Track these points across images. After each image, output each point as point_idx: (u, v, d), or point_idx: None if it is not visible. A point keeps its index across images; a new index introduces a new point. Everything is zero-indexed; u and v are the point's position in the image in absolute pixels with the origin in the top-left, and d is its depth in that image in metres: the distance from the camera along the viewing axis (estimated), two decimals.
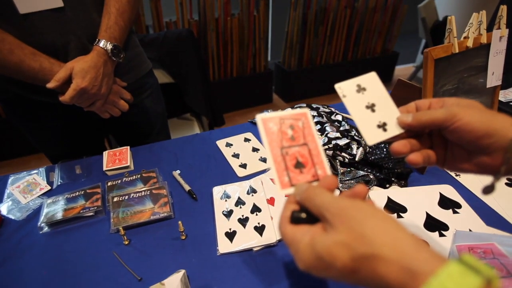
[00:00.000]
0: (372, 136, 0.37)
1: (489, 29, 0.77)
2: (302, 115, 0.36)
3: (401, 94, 0.81)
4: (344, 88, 0.39)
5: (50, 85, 0.69)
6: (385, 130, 0.38)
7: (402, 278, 0.24)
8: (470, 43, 0.75)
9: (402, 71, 3.30)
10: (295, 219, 0.31)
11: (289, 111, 0.36)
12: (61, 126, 0.92)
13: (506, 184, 0.74)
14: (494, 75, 0.83)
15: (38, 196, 0.74)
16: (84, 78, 0.71)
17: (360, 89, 0.39)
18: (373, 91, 0.39)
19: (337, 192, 0.72)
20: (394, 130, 0.38)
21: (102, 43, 0.75)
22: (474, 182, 0.75)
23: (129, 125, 1.00)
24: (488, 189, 0.35)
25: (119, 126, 0.99)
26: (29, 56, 0.69)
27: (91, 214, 0.68)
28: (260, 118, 0.34)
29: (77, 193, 0.71)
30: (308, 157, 0.33)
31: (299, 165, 0.33)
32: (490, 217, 0.66)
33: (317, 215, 0.30)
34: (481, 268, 0.22)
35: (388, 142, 0.39)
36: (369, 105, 0.39)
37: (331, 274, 0.28)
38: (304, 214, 0.31)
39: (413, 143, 0.39)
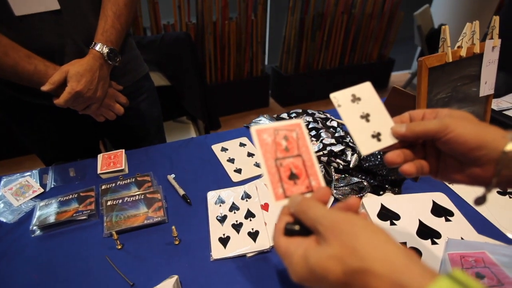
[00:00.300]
0: (366, 146, 0.37)
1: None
2: (296, 126, 0.36)
3: (396, 101, 0.82)
4: (339, 98, 0.39)
5: (44, 88, 0.69)
6: (379, 140, 0.38)
7: None
8: (463, 53, 0.76)
9: (398, 77, 3.33)
10: (288, 231, 0.31)
11: (283, 122, 0.36)
12: (56, 129, 0.91)
13: (498, 192, 0.75)
14: (487, 84, 0.85)
15: (31, 199, 0.73)
16: (79, 82, 0.70)
17: (355, 99, 0.40)
18: (367, 101, 0.40)
19: (331, 200, 0.73)
20: (388, 140, 0.38)
21: (98, 47, 0.75)
22: (467, 190, 0.75)
23: (124, 128, 0.99)
24: (480, 200, 0.36)
25: (114, 129, 0.99)
26: (24, 59, 0.68)
27: (84, 217, 0.67)
28: (255, 129, 0.34)
29: (71, 196, 0.71)
30: (302, 168, 0.34)
31: (293, 177, 0.33)
32: (482, 225, 0.67)
33: (311, 228, 0.30)
34: (471, 284, 0.22)
35: (383, 151, 0.39)
36: (363, 115, 0.39)
37: (324, 287, 0.28)
38: (297, 226, 0.31)
39: (406, 153, 0.39)
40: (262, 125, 0.35)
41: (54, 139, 0.93)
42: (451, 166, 0.38)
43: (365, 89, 0.40)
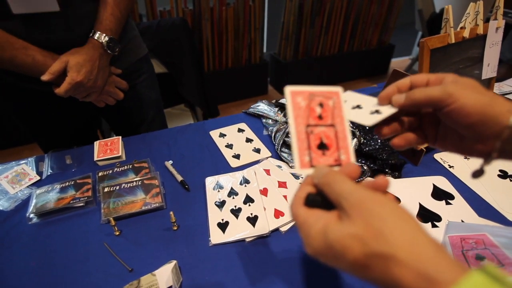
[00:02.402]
0: (368, 120, 0.35)
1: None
2: (334, 94, 0.33)
3: None
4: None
5: (44, 77, 0.68)
6: (379, 113, 0.36)
7: (418, 284, 0.23)
8: (466, 34, 0.74)
9: (398, 63, 3.29)
10: (310, 202, 0.29)
11: (321, 87, 0.33)
12: (54, 114, 0.90)
13: (499, 176, 0.74)
14: (489, 67, 0.83)
15: (27, 187, 0.72)
16: (79, 72, 0.70)
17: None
18: (352, 99, 0.38)
19: None
20: (387, 111, 0.36)
21: (97, 35, 0.74)
22: (467, 173, 0.75)
23: (122, 111, 0.98)
24: (478, 173, 0.34)
25: (112, 112, 0.97)
26: (20, 51, 0.67)
27: (82, 204, 0.66)
28: (289, 90, 0.32)
29: (67, 183, 0.70)
30: (333, 139, 0.31)
31: (322, 147, 0.31)
32: (483, 208, 0.66)
33: (334, 203, 0.28)
34: (505, 279, 0.20)
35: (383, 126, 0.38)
36: (355, 106, 0.38)
37: (339, 265, 0.27)
38: (320, 198, 0.29)
39: (396, 126, 0.38)
40: (298, 86, 0.32)
41: (53, 125, 0.92)
42: (451, 137, 0.36)
43: (344, 95, 0.39)
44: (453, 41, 0.73)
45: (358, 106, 0.38)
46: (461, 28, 0.75)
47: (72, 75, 0.69)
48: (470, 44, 0.77)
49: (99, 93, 0.78)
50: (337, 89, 0.34)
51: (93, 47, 0.73)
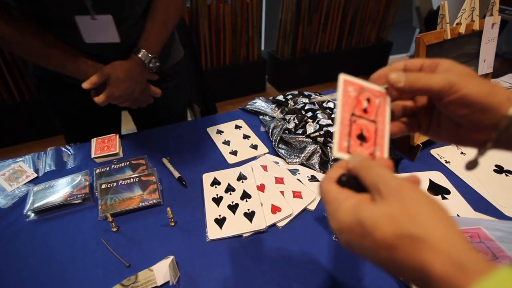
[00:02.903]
0: (343, 77, 0.35)
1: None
2: (382, 95, 0.34)
3: None
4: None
5: (85, 86, 0.72)
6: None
7: (449, 271, 0.22)
8: (462, 30, 0.74)
9: (396, 60, 3.29)
10: (343, 182, 0.30)
11: (371, 85, 0.34)
12: (85, 107, 0.90)
13: (495, 170, 0.75)
14: (485, 63, 0.83)
15: (25, 184, 0.72)
16: (118, 87, 0.73)
17: None
18: None
19: None
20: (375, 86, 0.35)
21: (141, 54, 0.76)
22: (463, 169, 0.75)
23: (149, 110, 0.96)
24: (472, 165, 0.34)
25: (139, 110, 0.96)
26: (69, 60, 0.72)
27: (79, 201, 0.67)
28: (343, 78, 0.32)
29: (65, 180, 0.70)
30: (372, 135, 0.32)
31: (361, 138, 0.32)
32: (478, 203, 0.67)
33: (369, 186, 0.28)
34: None
35: None
36: None
37: (364, 243, 0.26)
38: (353, 180, 0.30)
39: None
40: (351, 77, 0.33)
41: (82, 117, 0.93)
42: (445, 126, 0.35)
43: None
44: (449, 37, 0.73)
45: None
46: (457, 24, 0.75)
47: (112, 89, 0.73)
48: (466, 40, 0.78)
49: (133, 101, 0.81)
50: (383, 89, 0.34)
51: (135, 64, 0.76)
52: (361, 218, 0.26)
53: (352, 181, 0.29)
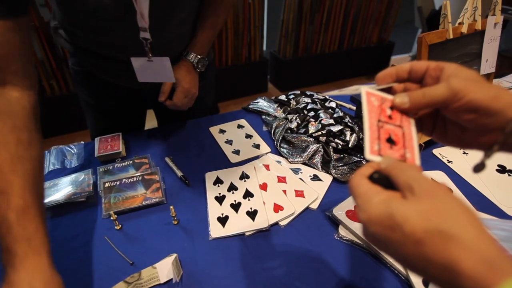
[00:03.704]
0: (362, 88, 0.36)
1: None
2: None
3: None
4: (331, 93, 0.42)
5: (161, 99, 0.79)
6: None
7: (478, 269, 0.22)
8: (464, 29, 0.75)
9: (398, 61, 3.29)
10: (375, 178, 0.31)
11: (390, 95, 0.35)
12: (116, 104, 0.93)
13: (497, 170, 0.75)
14: (488, 62, 0.83)
15: None
16: (186, 82, 0.79)
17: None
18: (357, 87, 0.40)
19: (330, 179, 0.72)
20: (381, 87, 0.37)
21: (191, 57, 0.81)
22: (466, 168, 0.75)
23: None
24: (479, 167, 0.34)
25: (164, 109, 0.97)
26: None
27: (83, 199, 0.67)
28: (365, 90, 0.34)
29: (68, 178, 0.71)
30: (400, 138, 0.33)
31: (390, 141, 0.33)
32: (481, 202, 0.67)
33: (401, 185, 0.28)
34: None
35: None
36: (354, 89, 0.39)
37: (391, 236, 0.26)
38: (385, 179, 0.31)
39: None
40: (372, 90, 0.35)
41: (111, 113, 0.95)
42: (450, 129, 0.35)
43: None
44: (451, 37, 0.73)
45: (357, 89, 0.39)
46: (459, 23, 0.75)
47: (182, 84, 0.79)
48: (469, 39, 0.78)
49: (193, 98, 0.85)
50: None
51: (186, 64, 0.81)
52: (392, 211, 0.26)
53: (383, 179, 0.30)
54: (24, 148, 0.46)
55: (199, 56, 0.81)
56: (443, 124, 0.36)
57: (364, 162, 0.73)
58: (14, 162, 0.44)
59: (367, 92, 0.34)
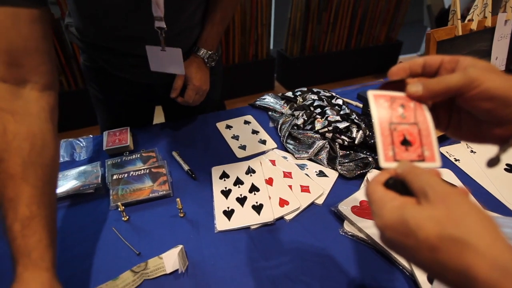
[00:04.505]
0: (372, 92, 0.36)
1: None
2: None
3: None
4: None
5: (173, 95, 0.81)
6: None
7: (493, 275, 0.22)
8: (474, 26, 0.74)
9: (406, 60, 3.24)
10: (389, 184, 0.31)
11: (399, 93, 0.35)
12: (126, 99, 0.95)
13: (505, 169, 0.74)
14: (497, 60, 0.83)
15: None
16: (197, 79, 0.81)
17: None
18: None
19: (336, 175, 0.73)
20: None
21: (201, 52, 0.82)
22: (473, 167, 0.75)
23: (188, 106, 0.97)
24: (494, 162, 0.33)
25: (172, 104, 0.98)
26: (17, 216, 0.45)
27: (91, 191, 0.68)
28: (372, 94, 0.33)
29: (77, 170, 0.72)
30: (416, 136, 0.33)
31: (405, 143, 0.32)
32: (488, 201, 0.66)
33: (416, 190, 0.29)
34: None
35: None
36: None
37: (406, 242, 0.27)
38: (400, 184, 0.31)
39: None
40: (378, 91, 0.34)
41: (121, 108, 0.96)
42: (466, 122, 0.35)
43: None
44: (460, 34, 0.73)
45: None
46: (469, 20, 0.75)
47: (192, 82, 0.81)
48: (478, 37, 0.77)
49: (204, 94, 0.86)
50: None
51: (197, 60, 0.82)
52: (405, 218, 0.26)
53: (398, 185, 0.30)
54: (37, 154, 0.46)
55: (209, 52, 0.82)
56: (458, 118, 0.35)
57: (370, 159, 0.72)
58: (26, 169, 0.44)
59: (374, 95, 0.34)
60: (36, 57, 0.49)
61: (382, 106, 0.33)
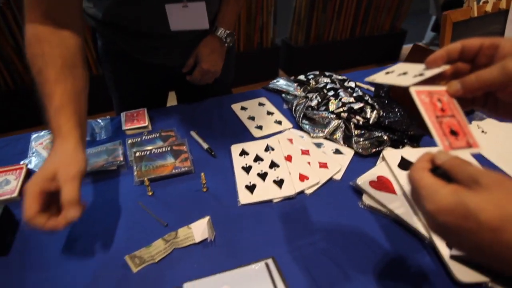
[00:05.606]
0: (409, 81, 0.37)
1: None
2: (445, 92, 0.37)
3: (417, 60, 0.82)
4: (375, 77, 0.42)
5: (184, 70, 0.86)
6: (422, 75, 0.38)
7: None
8: (489, 8, 0.75)
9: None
10: (438, 173, 0.33)
11: (432, 87, 0.36)
12: (142, 83, 0.97)
13: None
14: None
15: None
16: (207, 62, 0.84)
17: (389, 72, 0.42)
18: (400, 69, 0.41)
19: (352, 153, 0.74)
20: (430, 72, 0.37)
21: (220, 32, 0.85)
22: (485, 147, 0.76)
23: (196, 86, 0.99)
24: None
25: (185, 86, 0.99)
26: (57, 106, 0.57)
27: (114, 168, 0.70)
28: (414, 90, 0.35)
29: (99, 149, 0.74)
30: (458, 127, 0.35)
31: (453, 133, 0.34)
32: None
33: (464, 179, 0.30)
34: None
35: (403, 105, 0.39)
36: (400, 73, 0.40)
37: (464, 224, 0.27)
38: (446, 174, 0.32)
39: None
40: (418, 86, 0.36)
41: (136, 92, 0.98)
42: (502, 105, 0.35)
43: (399, 66, 0.42)
44: (476, 15, 0.74)
45: (404, 73, 0.40)
46: (484, 2, 0.76)
47: (201, 64, 0.84)
48: (492, 19, 0.78)
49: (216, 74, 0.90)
50: (444, 88, 0.37)
51: (215, 40, 0.85)
52: (464, 201, 0.27)
53: (445, 175, 0.32)
54: (68, 69, 0.58)
55: (227, 31, 0.83)
56: (495, 98, 0.36)
57: (385, 137, 0.74)
58: (58, 76, 0.56)
59: (416, 91, 0.35)
60: (73, 7, 0.61)
61: (424, 101, 0.35)
